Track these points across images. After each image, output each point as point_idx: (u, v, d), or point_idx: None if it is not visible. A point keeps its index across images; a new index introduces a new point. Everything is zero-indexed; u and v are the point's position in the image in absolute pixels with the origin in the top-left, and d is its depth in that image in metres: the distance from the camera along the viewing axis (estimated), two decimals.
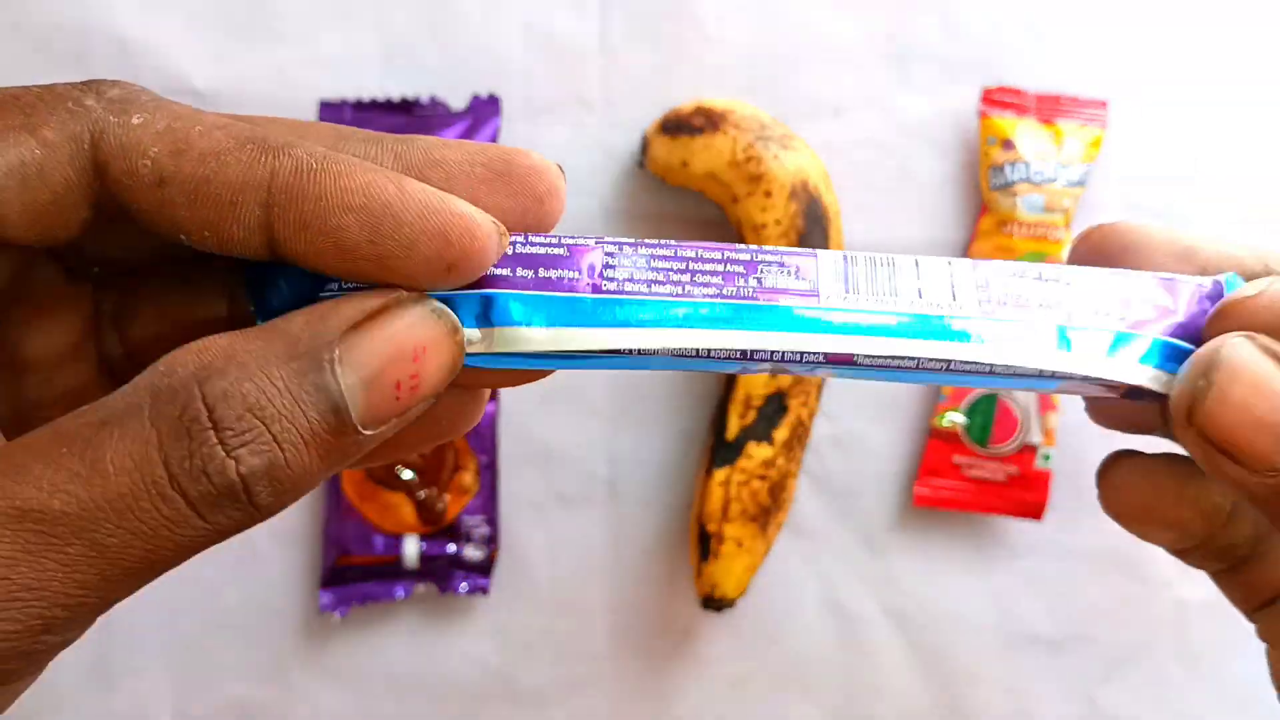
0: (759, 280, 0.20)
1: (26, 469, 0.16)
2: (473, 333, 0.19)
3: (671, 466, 0.49)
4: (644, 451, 0.49)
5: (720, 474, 0.46)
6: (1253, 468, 0.18)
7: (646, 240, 0.21)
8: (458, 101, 0.47)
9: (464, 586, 0.47)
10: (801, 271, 0.20)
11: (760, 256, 0.20)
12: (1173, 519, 0.22)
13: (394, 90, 0.47)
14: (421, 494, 0.47)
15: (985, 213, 0.48)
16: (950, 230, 0.49)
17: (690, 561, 0.48)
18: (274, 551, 0.48)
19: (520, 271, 0.20)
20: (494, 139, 0.47)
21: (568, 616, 0.49)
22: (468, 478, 0.47)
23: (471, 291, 0.19)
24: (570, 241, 0.20)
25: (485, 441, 0.48)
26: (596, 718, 0.49)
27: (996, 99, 0.48)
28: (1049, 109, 0.48)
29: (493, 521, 0.48)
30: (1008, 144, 0.47)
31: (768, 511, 0.46)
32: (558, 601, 0.49)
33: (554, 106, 0.48)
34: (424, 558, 0.47)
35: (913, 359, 0.20)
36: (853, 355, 0.20)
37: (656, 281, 0.20)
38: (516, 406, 0.48)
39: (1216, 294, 0.20)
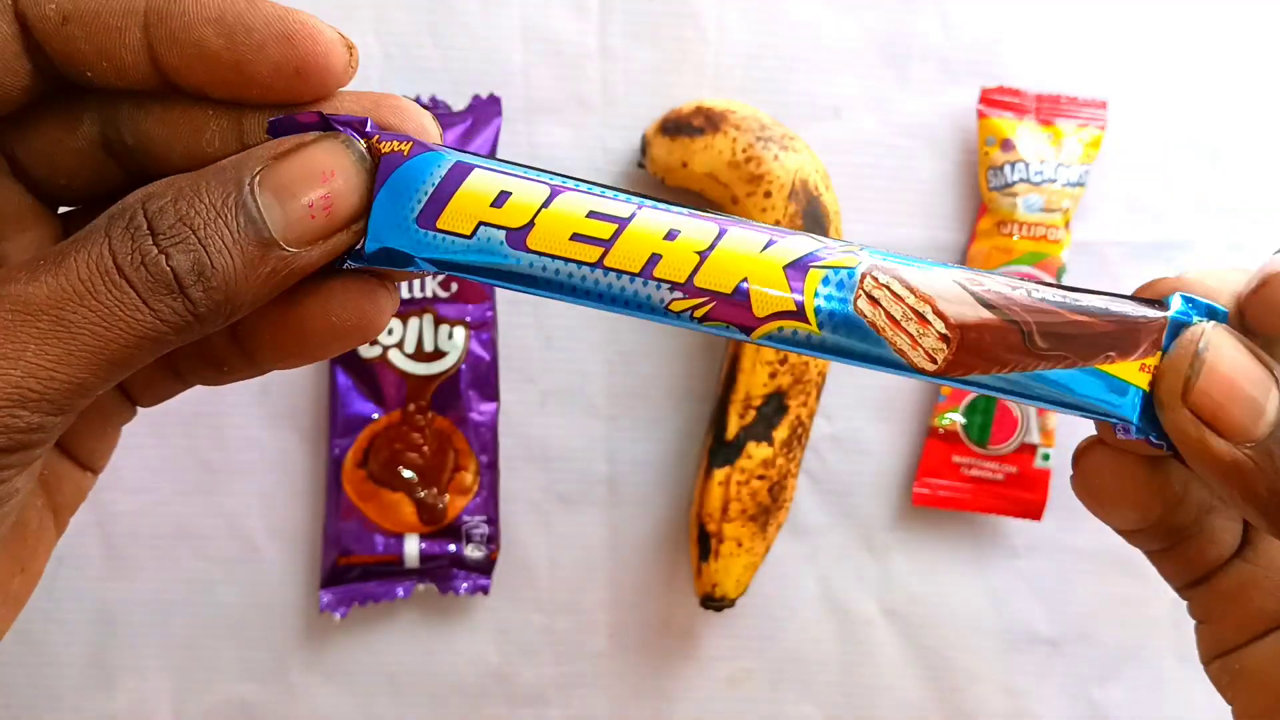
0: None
1: (10, 272, 0.19)
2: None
3: (671, 466, 0.49)
4: (644, 451, 0.49)
5: (720, 474, 0.46)
6: (1235, 440, 0.20)
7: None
8: (458, 101, 0.47)
9: (464, 586, 0.47)
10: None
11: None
12: (1136, 501, 0.23)
13: (394, 90, 0.47)
14: (421, 494, 0.47)
15: (984, 213, 0.48)
16: (949, 231, 0.49)
17: (690, 561, 0.48)
18: (274, 551, 0.48)
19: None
20: (495, 139, 0.47)
21: (568, 616, 0.49)
22: (468, 478, 0.47)
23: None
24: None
25: (485, 441, 0.48)
26: (596, 717, 0.49)
27: (996, 99, 0.48)
28: (1048, 109, 0.48)
29: (493, 521, 0.48)
30: (1007, 144, 0.47)
31: (767, 511, 0.46)
32: (558, 601, 0.49)
33: (554, 106, 0.48)
34: (424, 558, 0.47)
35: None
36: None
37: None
38: (517, 406, 0.48)
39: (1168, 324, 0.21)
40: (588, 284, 0.21)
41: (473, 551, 0.47)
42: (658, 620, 0.49)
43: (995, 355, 0.20)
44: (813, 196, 0.45)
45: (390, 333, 0.47)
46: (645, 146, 0.46)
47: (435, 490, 0.47)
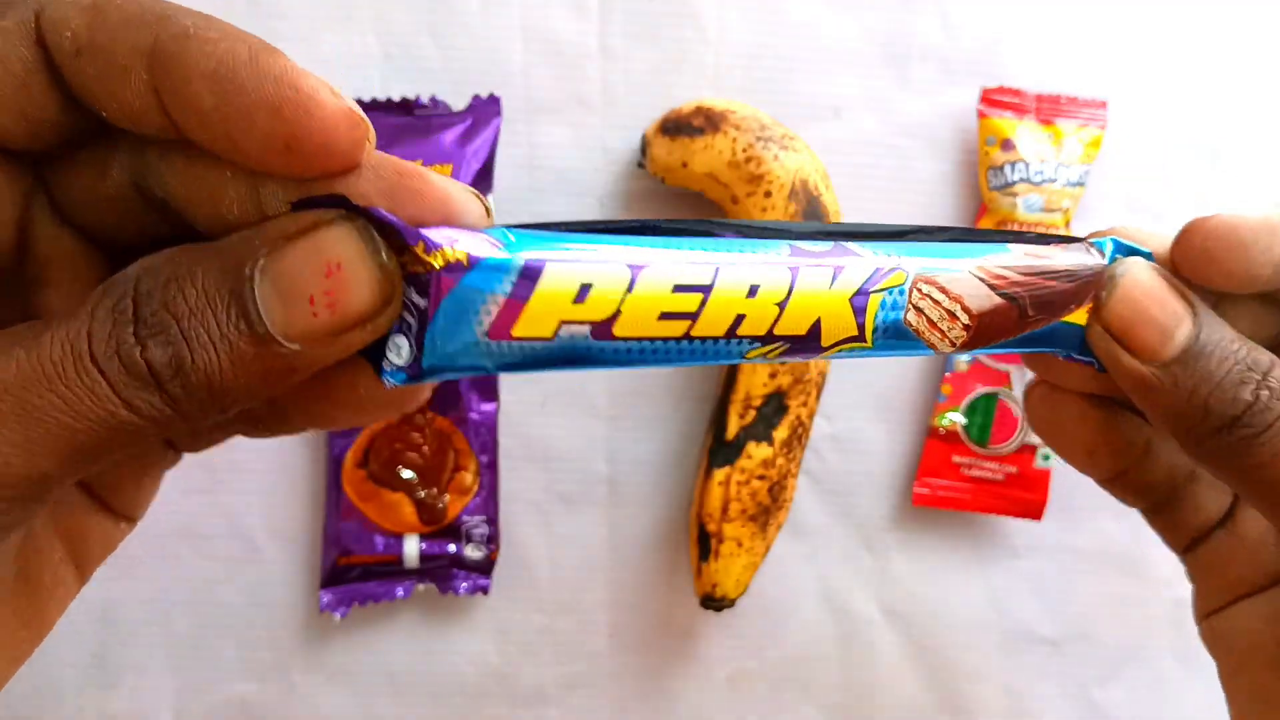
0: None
1: None
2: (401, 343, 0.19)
3: (671, 466, 0.49)
4: (644, 451, 0.49)
5: (720, 474, 0.46)
6: (1144, 358, 0.23)
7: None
8: (458, 101, 0.47)
9: (464, 586, 0.47)
10: None
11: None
12: (1078, 437, 0.26)
13: (394, 90, 0.47)
14: (421, 494, 0.47)
15: (984, 213, 0.48)
16: None
17: (690, 561, 0.48)
18: (274, 551, 0.48)
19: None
20: (494, 139, 0.47)
21: (568, 616, 0.49)
22: (468, 478, 0.47)
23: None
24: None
25: (485, 441, 0.48)
26: (596, 717, 0.49)
27: (996, 99, 0.48)
28: (1048, 109, 0.48)
29: (493, 521, 0.48)
30: (1007, 144, 0.47)
31: (767, 511, 0.46)
32: (558, 601, 0.49)
33: (554, 106, 0.48)
34: (424, 558, 0.47)
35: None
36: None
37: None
38: (517, 406, 0.48)
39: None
40: (672, 355, 0.20)
41: (473, 551, 0.47)
42: (658, 620, 0.49)
43: (1001, 330, 0.23)
44: (813, 196, 0.45)
45: None
46: (645, 146, 0.46)
47: (435, 490, 0.47)
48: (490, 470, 0.48)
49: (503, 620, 0.49)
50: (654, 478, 0.49)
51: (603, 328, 0.19)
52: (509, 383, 0.48)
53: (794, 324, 0.21)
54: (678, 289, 0.20)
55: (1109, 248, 0.24)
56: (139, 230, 0.21)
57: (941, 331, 0.22)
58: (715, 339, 0.20)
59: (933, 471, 0.49)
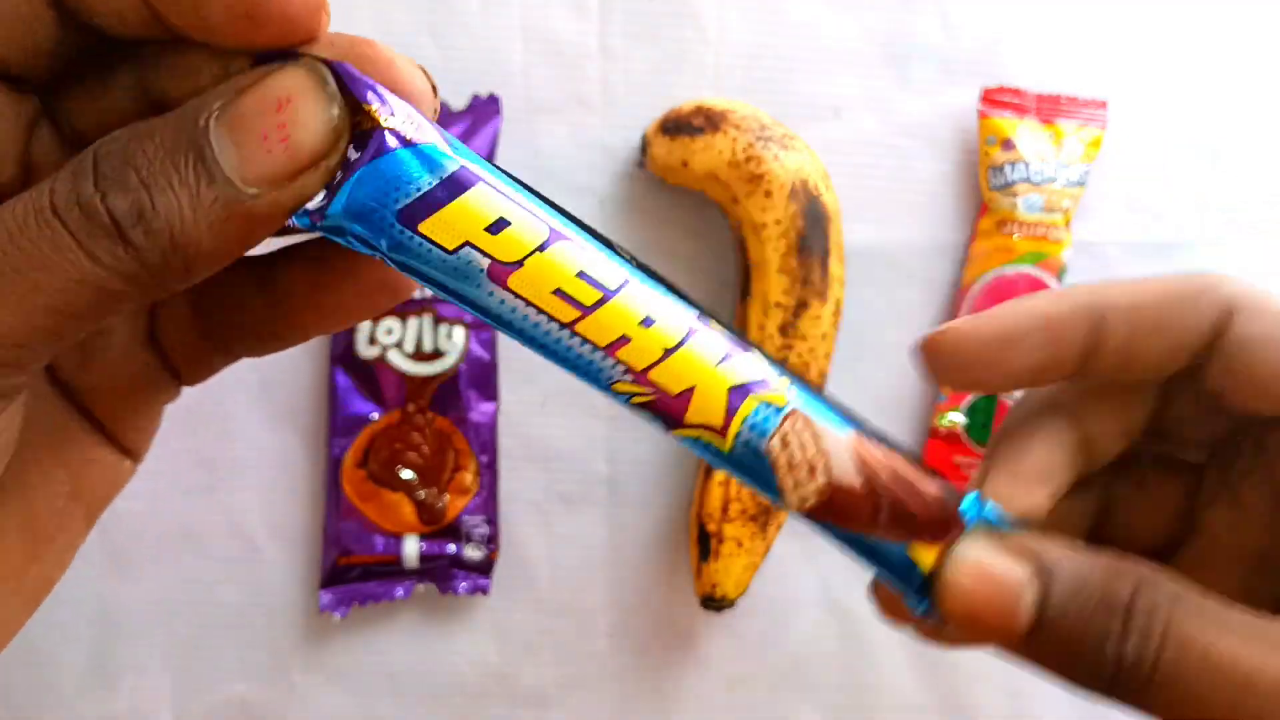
0: None
1: None
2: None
3: (671, 466, 0.49)
4: (644, 451, 0.49)
5: (720, 474, 0.46)
6: (1001, 639, 0.21)
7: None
8: (458, 101, 0.47)
9: (464, 586, 0.47)
10: None
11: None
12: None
13: None
14: (421, 494, 0.47)
15: (985, 213, 0.48)
16: (950, 230, 0.49)
17: (690, 561, 0.48)
18: (274, 551, 0.48)
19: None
20: (494, 139, 0.47)
21: (568, 616, 0.49)
22: (468, 478, 0.47)
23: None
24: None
25: (485, 441, 0.48)
26: (596, 718, 0.49)
27: (996, 99, 0.48)
28: (1049, 109, 0.48)
29: (493, 521, 0.48)
30: (1007, 144, 0.47)
31: (768, 511, 0.46)
32: (558, 601, 0.49)
33: (554, 106, 0.48)
34: (424, 558, 0.47)
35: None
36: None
37: None
38: (517, 406, 0.48)
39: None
40: (549, 340, 0.20)
41: (472, 552, 0.47)
42: (658, 621, 0.49)
43: (848, 516, 0.22)
44: (813, 196, 0.45)
45: (389, 333, 0.47)
46: (645, 146, 0.46)
47: (435, 490, 0.47)
48: (490, 470, 0.48)
49: (503, 620, 0.49)
50: (654, 478, 0.49)
51: (501, 270, 0.19)
52: (509, 383, 0.48)
53: (670, 378, 0.20)
54: (582, 275, 0.20)
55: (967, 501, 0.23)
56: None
57: (796, 479, 0.21)
58: (595, 347, 0.20)
59: None
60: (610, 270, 0.20)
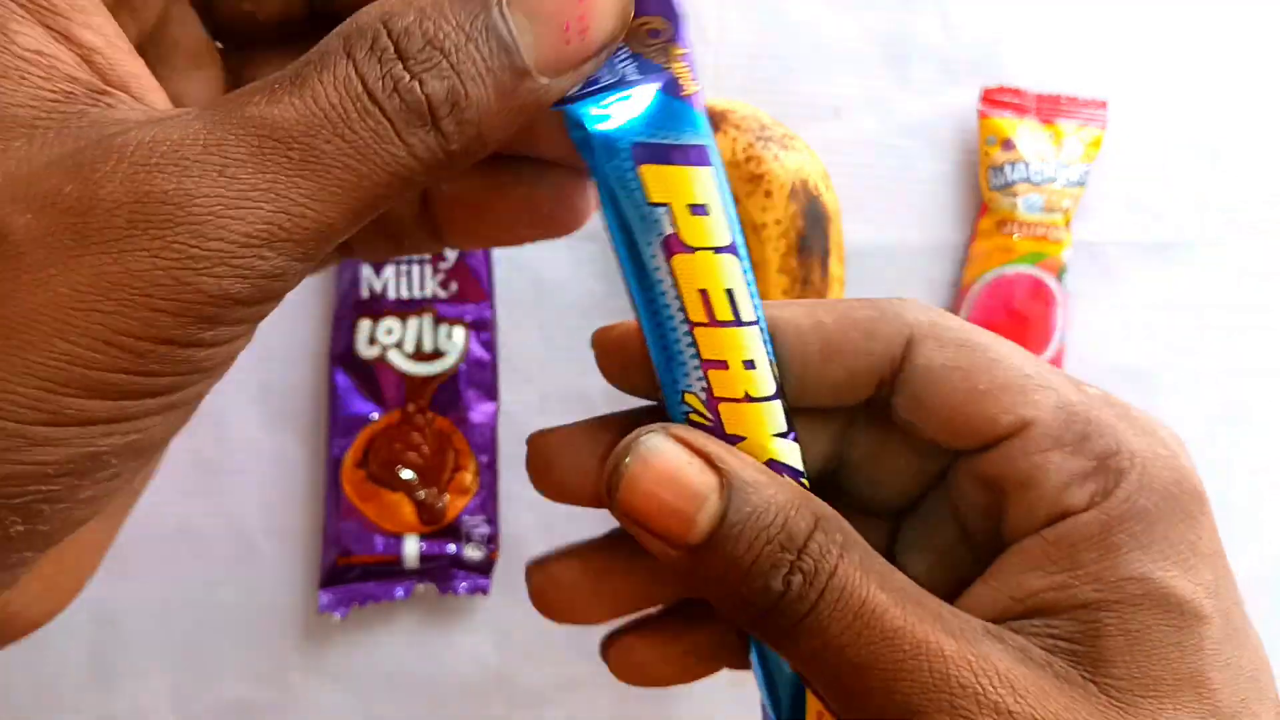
0: None
1: (247, 94, 0.17)
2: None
3: None
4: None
5: None
6: (669, 544, 0.20)
7: None
8: None
9: (464, 586, 0.47)
10: None
11: None
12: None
13: None
14: (421, 494, 0.47)
15: (985, 213, 0.48)
16: (950, 230, 0.49)
17: None
18: (273, 552, 0.48)
19: None
20: None
21: None
22: (468, 478, 0.47)
23: None
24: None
25: (485, 441, 0.48)
26: (596, 718, 0.49)
27: (996, 99, 0.48)
28: (1049, 109, 0.48)
29: (493, 521, 0.48)
30: (1008, 144, 0.47)
31: None
32: None
33: None
34: (424, 558, 0.47)
35: None
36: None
37: None
38: (516, 407, 0.48)
39: None
40: (665, 322, 0.20)
41: (472, 552, 0.47)
42: None
43: None
44: (813, 196, 0.45)
45: (389, 333, 0.47)
46: None
47: (435, 490, 0.47)
48: (490, 470, 0.48)
49: (503, 620, 0.49)
50: None
51: (675, 245, 0.20)
52: (509, 383, 0.48)
53: (734, 418, 0.21)
54: (729, 292, 0.20)
55: None
56: (280, 12, 0.21)
57: None
58: (697, 353, 0.20)
59: None
60: (749, 305, 0.20)
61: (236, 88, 0.20)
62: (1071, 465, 0.20)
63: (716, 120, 0.45)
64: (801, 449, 0.22)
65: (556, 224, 0.22)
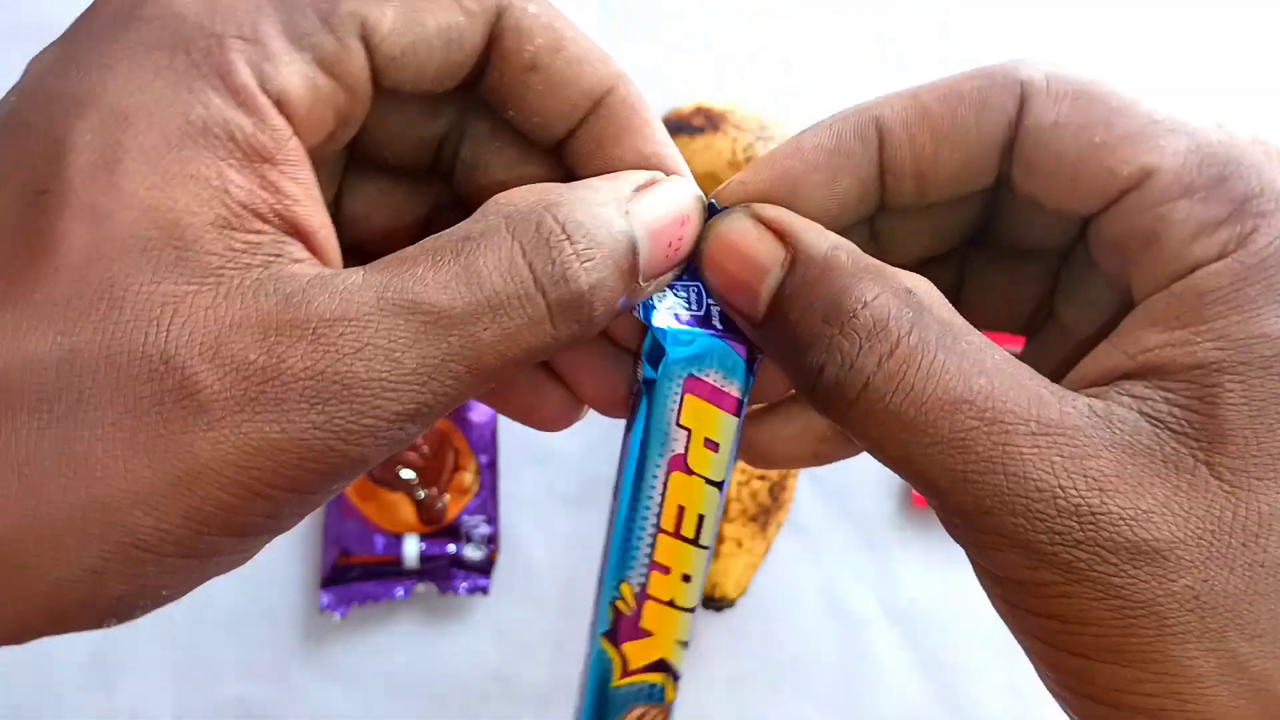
0: None
1: (412, 271, 0.18)
2: None
3: None
4: None
5: None
6: (745, 319, 0.21)
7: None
8: None
9: (464, 586, 0.47)
10: None
11: None
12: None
13: None
14: (421, 494, 0.47)
15: None
16: None
17: None
18: (274, 551, 0.48)
19: None
20: None
21: (568, 616, 0.49)
22: (468, 478, 0.47)
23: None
24: None
25: (485, 441, 0.48)
26: None
27: None
28: None
29: (493, 521, 0.48)
30: None
31: (768, 511, 0.46)
32: (558, 601, 0.49)
33: None
34: (424, 558, 0.47)
35: None
36: None
37: None
38: None
39: None
40: (637, 517, 0.23)
41: (472, 552, 0.47)
42: None
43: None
44: None
45: None
46: None
47: (435, 490, 0.47)
48: (490, 470, 0.48)
49: (503, 620, 0.49)
50: None
51: (679, 465, 0.22)
52: None
53: (653, 616, 0.23)
54: (700, 518, 0.22)
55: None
56: (413, 175, 0.23)
57: None
58: (651, 555, 0.23)
59: None
60: (710, 534, 0.23)
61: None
62: (1201, 213, 0.18)
63: (716, 120, 0.45)
64: (942, 233, 0.23)
65: (561, 413, 0.24)
